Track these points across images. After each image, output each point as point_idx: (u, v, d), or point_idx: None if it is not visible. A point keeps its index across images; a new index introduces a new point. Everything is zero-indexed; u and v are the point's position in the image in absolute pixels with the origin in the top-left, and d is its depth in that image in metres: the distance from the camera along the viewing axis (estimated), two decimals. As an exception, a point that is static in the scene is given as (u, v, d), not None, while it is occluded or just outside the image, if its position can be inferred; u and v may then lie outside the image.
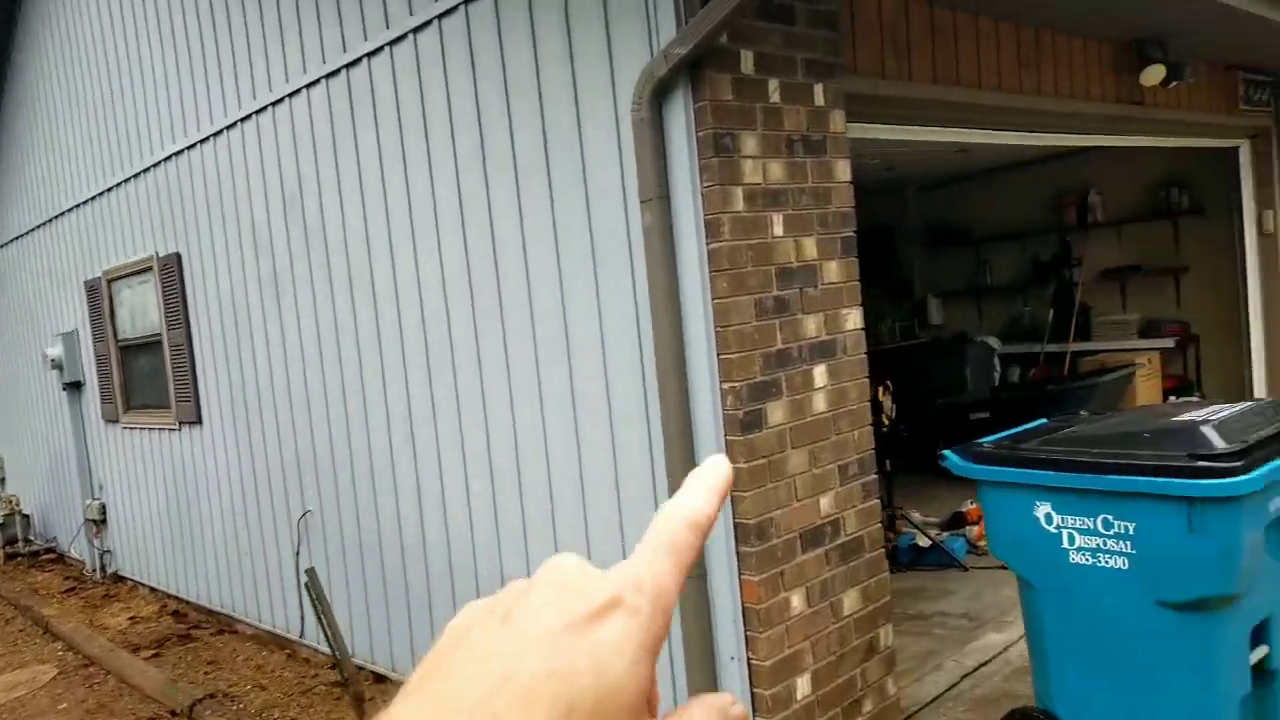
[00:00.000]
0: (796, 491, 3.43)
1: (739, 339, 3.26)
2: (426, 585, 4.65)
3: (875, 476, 3.75)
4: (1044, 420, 3.64)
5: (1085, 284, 8.50)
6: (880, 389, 5.89)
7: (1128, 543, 2.91)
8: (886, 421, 5.80)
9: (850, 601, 3.62)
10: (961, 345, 8.55)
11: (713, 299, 3.26)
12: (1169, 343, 7.92)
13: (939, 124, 4.41)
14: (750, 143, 3.31)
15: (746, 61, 3.31)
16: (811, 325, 3.50)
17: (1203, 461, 2.75)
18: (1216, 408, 3.19)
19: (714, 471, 0.42)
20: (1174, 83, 5.25)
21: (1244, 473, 2.70)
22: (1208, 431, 2.85)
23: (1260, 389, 7.22)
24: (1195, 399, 6.30)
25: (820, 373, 3.53)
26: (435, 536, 4.55)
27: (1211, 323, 7.81)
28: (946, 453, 3.43)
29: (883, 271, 9.91)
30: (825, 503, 3.53)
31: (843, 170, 3.64)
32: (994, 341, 8.70)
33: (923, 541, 5.93)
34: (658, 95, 3.21)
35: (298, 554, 5.49)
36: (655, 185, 3.26)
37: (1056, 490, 3.06)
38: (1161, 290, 8.23)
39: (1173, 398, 7.68)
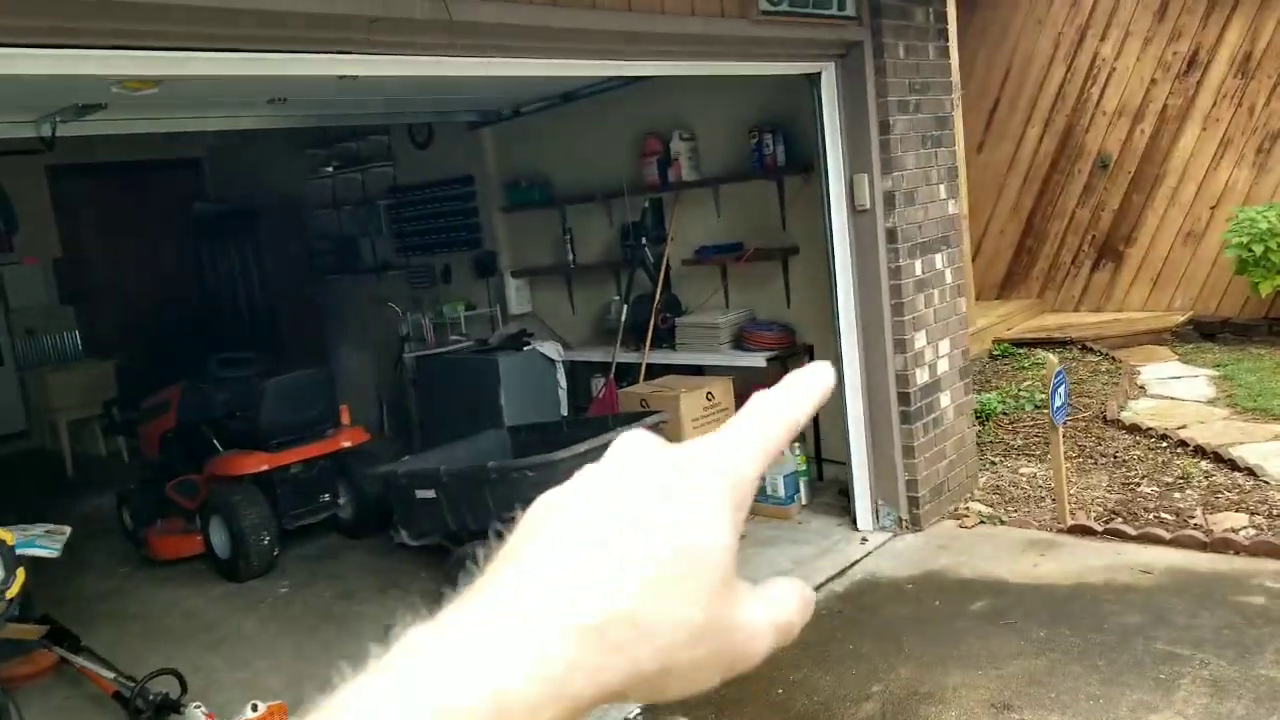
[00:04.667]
0: None
1: None
2: None
3: None
4: None
5: (675, 265, 6.02)
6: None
7: None
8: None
9: None
10: (494, 357, 5.97)
11: None
12: (758, 361, 5.52)
13: None
14: None
15: None
16: None
17: None
18: None
19: (818, 379, 0.43)
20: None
21: None
22: None
23: (856, 440, 4.89)
24: None
25: None
26: None
27: (825, 329, 5.44)
28: None
29: (464, 241, 7.27)
30: None
31: None
32: (552, 349, 6.18)
33: None
34: None
35: None
36: None
37: None
38: (772, 278, 5.82)
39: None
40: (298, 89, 4.46)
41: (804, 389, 0.42)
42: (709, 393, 5.09)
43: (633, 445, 0.39)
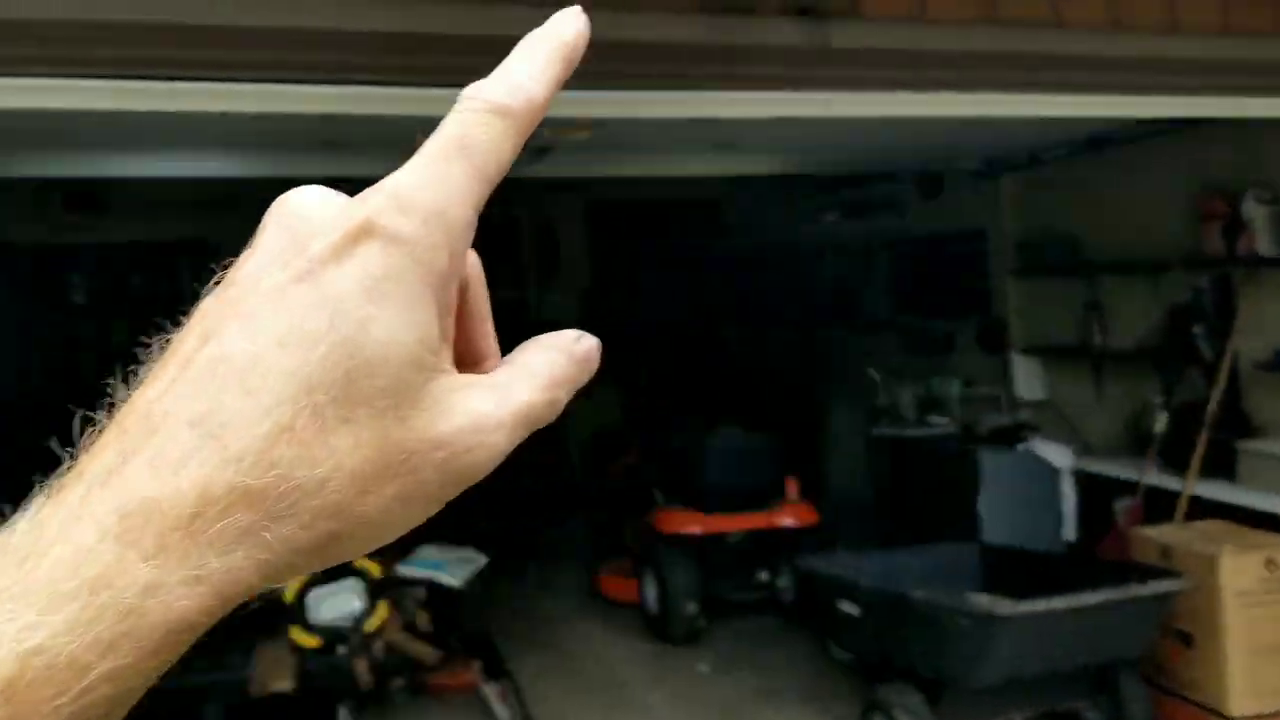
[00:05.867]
0: None
1: None
2: None
3: None
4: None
5: (1244, 367, 4.41)
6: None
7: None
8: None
9: None
10: (976, 452, 4.84)
11: None
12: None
13: None
14: None
15: None
16: None
17: None
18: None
19: (557, 27, 0.29)
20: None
21: None
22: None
23: None
24: None
25: None
26: None
27: None
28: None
29: (969, 305, 6.31)
30: None
31: None
32: (1058, 454, 4.89)
33: None
34: None
35: None
36: None
37: None
38: None
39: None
40: (743, 134, 4.00)
41: (534, 53, 0.28)
42: (1270, 559, 3.52)
43: (284, 213, 0.26)
